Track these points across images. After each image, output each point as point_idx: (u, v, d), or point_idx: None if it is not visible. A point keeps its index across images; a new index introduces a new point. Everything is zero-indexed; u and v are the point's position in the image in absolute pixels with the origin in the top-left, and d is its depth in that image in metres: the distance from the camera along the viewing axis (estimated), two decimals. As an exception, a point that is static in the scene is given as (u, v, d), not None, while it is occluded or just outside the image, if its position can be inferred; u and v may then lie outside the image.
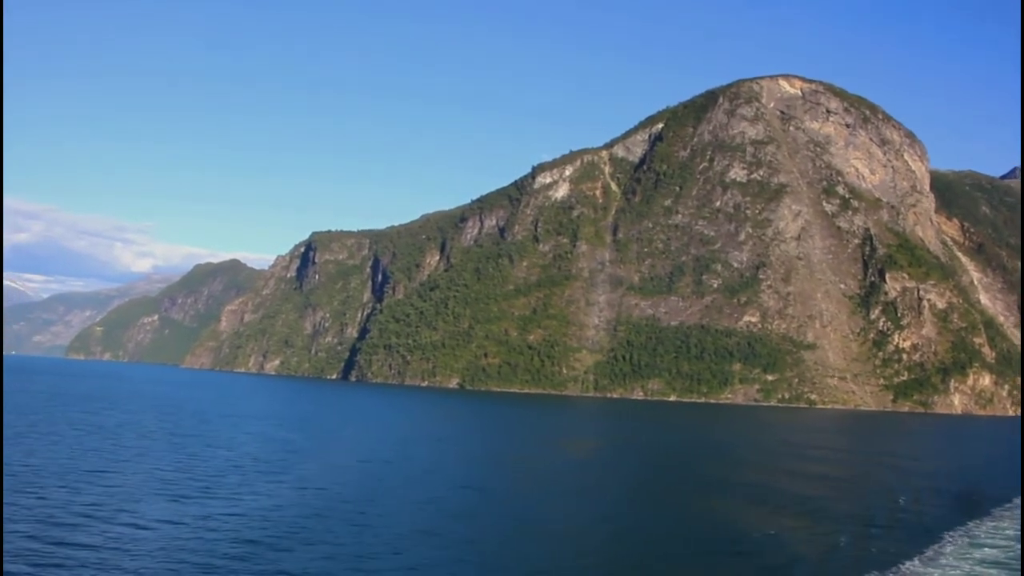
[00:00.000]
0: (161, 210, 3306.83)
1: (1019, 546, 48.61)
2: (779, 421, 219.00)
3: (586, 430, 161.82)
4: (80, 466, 63.91)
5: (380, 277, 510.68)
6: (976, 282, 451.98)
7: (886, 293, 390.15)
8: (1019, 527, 54.55)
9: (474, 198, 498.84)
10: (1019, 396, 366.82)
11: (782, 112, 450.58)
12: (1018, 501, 65.28)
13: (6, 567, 34.88)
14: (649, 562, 44.55)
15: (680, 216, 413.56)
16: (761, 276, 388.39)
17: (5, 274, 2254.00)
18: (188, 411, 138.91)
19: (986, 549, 48.32)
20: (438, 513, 54.97)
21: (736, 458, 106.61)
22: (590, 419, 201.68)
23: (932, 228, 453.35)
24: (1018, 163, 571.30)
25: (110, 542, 41.06)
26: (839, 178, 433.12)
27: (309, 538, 44.40)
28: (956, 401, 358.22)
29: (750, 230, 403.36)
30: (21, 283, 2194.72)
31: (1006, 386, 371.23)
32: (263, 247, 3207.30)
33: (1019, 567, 44.10)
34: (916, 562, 44.52)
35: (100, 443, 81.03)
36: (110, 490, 54.23)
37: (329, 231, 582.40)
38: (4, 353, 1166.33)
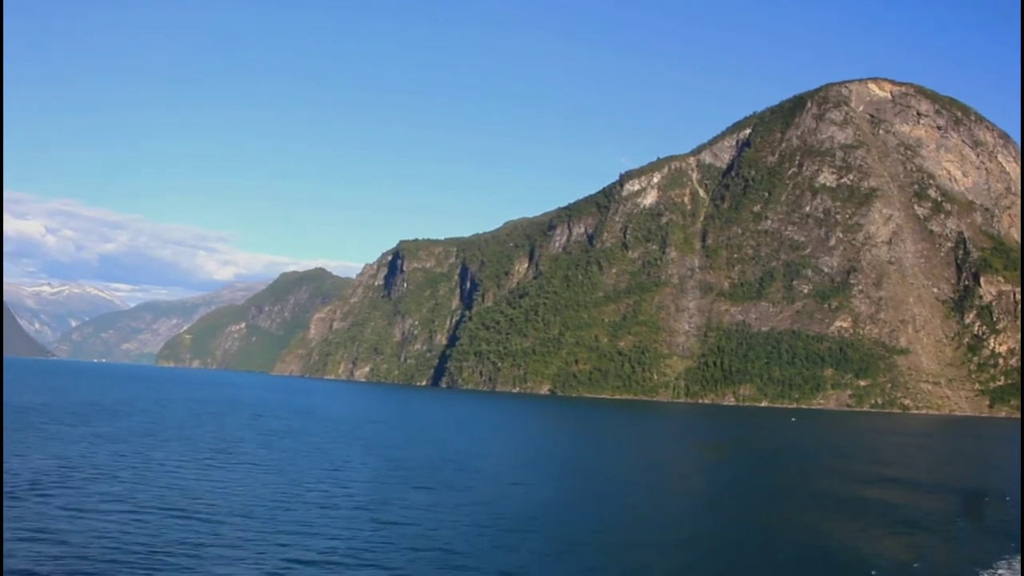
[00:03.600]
0: (243, 220, 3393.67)
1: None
2: (887, 428, 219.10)
3: (710, 435, 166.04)
4: (315, 464, 72.11)
5: (468, 284, 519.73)
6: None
7: (981, 297, 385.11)
8: None
9: (557, 205, 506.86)
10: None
11: (872, 116, 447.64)
12: None
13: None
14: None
15: (769, 222, 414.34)
16: (852, 281, 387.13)
17: (95, 284, 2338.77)
18: (334, 418, 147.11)
19: None
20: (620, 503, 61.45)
21: (856, 470, 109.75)
22: (702, 425, 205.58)
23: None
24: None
25: (411, 516, 49.06)
26: (931, 181, 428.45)
27: (537, 516, 51.20)
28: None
29: (840, 235, 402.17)
30: (109, 292, 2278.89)
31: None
32: (344, 254, 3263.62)
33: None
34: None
35: (299, 445, 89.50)
36: (361, 483, 62.24)
37: (416, 239, 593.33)
38: (96, 361, 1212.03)
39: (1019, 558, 45.47)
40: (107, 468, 61.16)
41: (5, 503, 44.39)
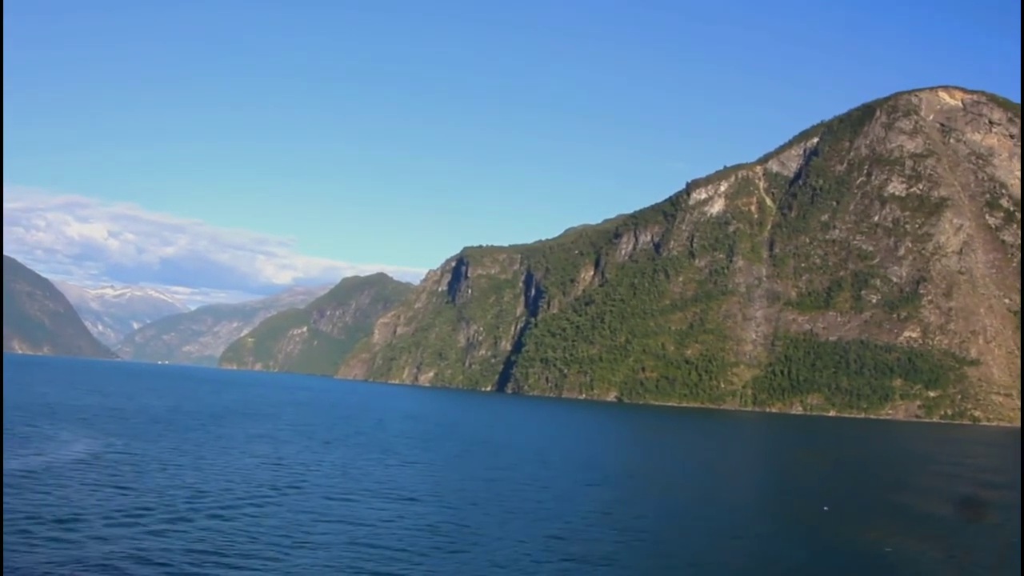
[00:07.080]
0: (301, 224, 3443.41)
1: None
2: (973, 440, 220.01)
3: (802, 445, 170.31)
4: (477, 463, 78.95)
5: (533, 291, 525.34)
6: None
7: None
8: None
9: (618, 212, 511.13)
10: None
11: (942, 124, 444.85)
12: None
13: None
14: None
15: (837, 231, 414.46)
16: (922, 291, 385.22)
17: (156, 287, 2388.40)
18: (443, 422, 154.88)
19: None
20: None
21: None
22: (787, 435, 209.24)
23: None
24: None
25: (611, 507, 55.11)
26: (1003, 191, 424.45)
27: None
28: None
29: (910, 245, 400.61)
30: (170, 295, 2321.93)
31: None
32: (403, 260, 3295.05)
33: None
34: None
35: (446, 447, 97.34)
36: (536, 480, 68.68)
37: (480, 246, 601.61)
38: (159, 363, 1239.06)
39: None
40: (311, 466, 68.39)
41: (272, 496, 51.62)
